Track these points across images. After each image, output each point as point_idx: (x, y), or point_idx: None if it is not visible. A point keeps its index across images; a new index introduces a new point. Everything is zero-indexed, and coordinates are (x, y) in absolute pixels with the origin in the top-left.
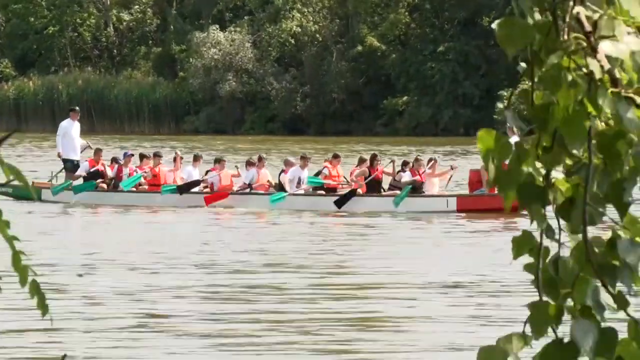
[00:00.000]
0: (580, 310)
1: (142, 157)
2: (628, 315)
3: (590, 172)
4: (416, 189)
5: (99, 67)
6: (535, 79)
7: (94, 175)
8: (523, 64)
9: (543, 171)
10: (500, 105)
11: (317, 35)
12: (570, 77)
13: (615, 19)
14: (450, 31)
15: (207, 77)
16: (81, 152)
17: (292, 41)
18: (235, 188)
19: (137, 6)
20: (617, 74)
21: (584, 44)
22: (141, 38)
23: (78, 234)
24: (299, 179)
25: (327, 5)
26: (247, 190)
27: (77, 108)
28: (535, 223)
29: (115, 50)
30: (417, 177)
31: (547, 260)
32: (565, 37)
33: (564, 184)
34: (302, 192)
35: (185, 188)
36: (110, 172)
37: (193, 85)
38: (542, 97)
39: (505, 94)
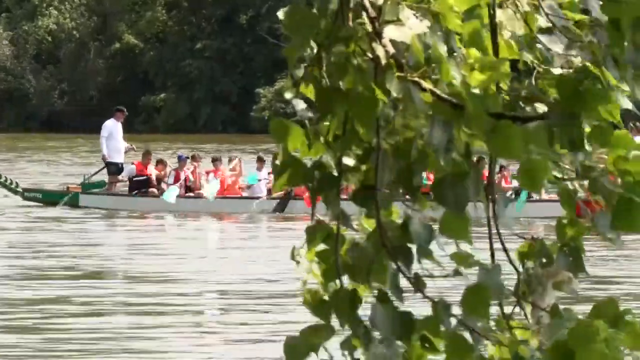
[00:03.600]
0: (378, 294)
1: (192, 158)
2: (425, 296)
3: (380, 156)
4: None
5: None
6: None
7: (140, 182)
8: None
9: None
10: (287, 95)
11: (75, 32)
12: (356, 63)
13: (399, 3)
14: (208, 29)
15: None
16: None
17: (50, 38)
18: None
19: None
20: (402, 58)
21: (369, 29)
22: None
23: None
24: None
25: (85, 2)
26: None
27: (124, 109)
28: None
29: None
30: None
31: (346, 246)
32: (351, 23)
33: (358, 170)
34: None
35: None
36: (154, 174)
37: None
38: (330, 84)
39: (262, 91)
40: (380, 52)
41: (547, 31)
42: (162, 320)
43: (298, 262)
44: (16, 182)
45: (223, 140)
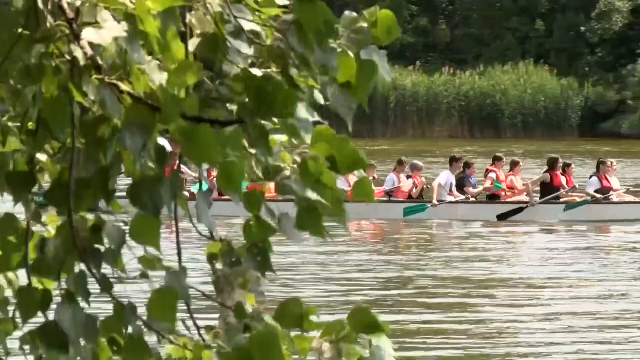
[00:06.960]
0: (66, 294)
1: None
2: (112, 297)
3: (74, 156)
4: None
5: None
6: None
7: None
8: None
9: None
10: None
11: None
12: (54, 64)
13: (98, 5)
14: None
15: None
16: None
17: None
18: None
19: None
20: (100, 60)
21: (67, 31)
22: None
23: None
24: (451, 185)
25: None
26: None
27: None
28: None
29: None
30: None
31: (35, 244)
32: (49, 24)
33: (52, 168)
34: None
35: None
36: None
37: None
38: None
39: None
40: (78, 54)
41: (236, 34)
42: None
43: None
44: None
45: None
